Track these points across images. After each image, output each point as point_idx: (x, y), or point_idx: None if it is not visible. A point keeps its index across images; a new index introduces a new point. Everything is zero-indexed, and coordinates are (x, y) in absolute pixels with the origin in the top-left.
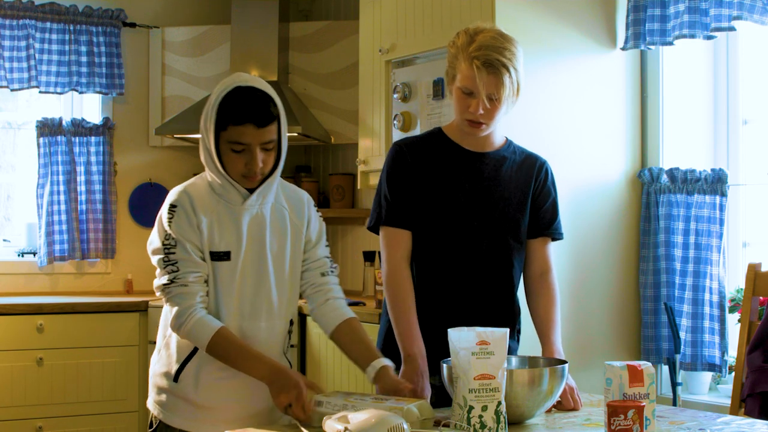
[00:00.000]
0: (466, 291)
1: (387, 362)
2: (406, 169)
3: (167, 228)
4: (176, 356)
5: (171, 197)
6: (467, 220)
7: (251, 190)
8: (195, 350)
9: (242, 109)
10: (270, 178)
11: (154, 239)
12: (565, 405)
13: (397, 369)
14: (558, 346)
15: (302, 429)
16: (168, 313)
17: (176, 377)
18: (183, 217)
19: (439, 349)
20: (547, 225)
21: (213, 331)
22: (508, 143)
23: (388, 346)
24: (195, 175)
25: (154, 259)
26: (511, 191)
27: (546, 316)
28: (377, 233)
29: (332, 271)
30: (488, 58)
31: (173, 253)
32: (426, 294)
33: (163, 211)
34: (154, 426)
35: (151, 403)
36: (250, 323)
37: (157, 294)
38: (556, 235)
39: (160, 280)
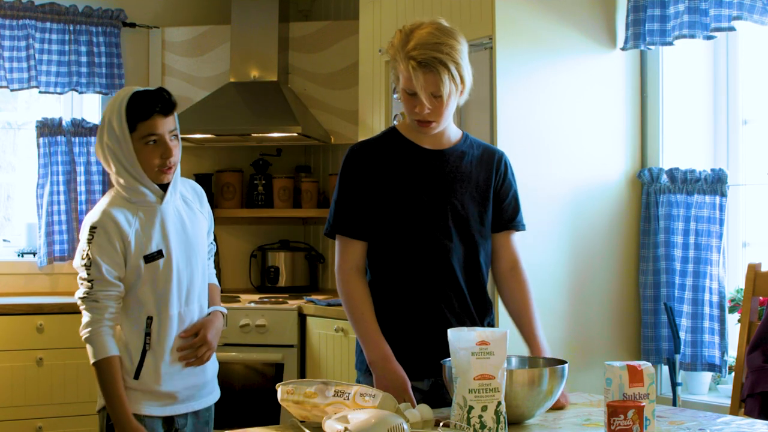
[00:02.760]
0: (436, 290)
1: (219, 309)
2: (361, 172)
3: (86, 248)
4: (132, 356)
5: (91, 219)
6: (432, 219)
7: (164, 189)
8: (147, 345)
9: (147, 104)
10: (176, 172)
11: (76, 256)
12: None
13: None
14: (544, 342)
15: (303, 429)
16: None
17: (137, 374)
18: (102, 237)
19: (415, 352)
20: (510, 218)
21: (104, 354)
22: (465, 137)
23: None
24: (195, 175)
25: (78, 274)
26: (473, 186)
27: (525, 311)
28: (334, 239)
29: (211, 256)
30: (424, 58)
31: (89, 272)
32: (396, 298)
33: (83, 232)
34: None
35: None
36: (187, 308)
37: (77, 303)
38: (519, 227)
39: (78, 292)
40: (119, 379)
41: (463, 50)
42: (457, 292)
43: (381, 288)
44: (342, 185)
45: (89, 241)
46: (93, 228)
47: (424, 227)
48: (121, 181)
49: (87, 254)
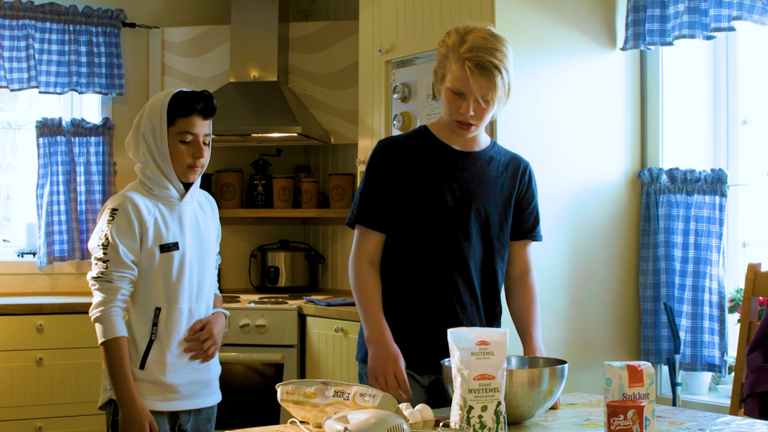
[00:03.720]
0: (450, 289)
1: (222, 311)
2: (390, 168)
3: (105, 229)
4: (137, 345)
5: (113, 202)
6: (455, 220)
7: (185, 188)
8: (154, 335)
9: (190, 103)
10: (200, 175)
11: (93, 237)
12: None
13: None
14: (540, 345)
15: (303, 429)
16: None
17: (142, 364)
18: (123, 220)
19: (420, 346)
20: (530, 228)
21: (113, 335)
22: (493, 144)
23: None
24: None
25: (93, 255)
26: (497, 192)
27: (527, 316)
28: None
29: (217, 266)
30: (480, 60)
31: (106, 252)
32: (408, 292)
33: (104, 214)
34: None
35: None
36: (197, 304)
37: (89, 284)
38: (537, 238)
39: (92, 272)
40: (126, 359)
41: (511, 58)
42: (471, 293)
43: (393, 281)
44: (369, 177)
45: (109, 222)
46: (114, 210)
47: (445, 225)
48: (147, 172)
49: (105, 235)
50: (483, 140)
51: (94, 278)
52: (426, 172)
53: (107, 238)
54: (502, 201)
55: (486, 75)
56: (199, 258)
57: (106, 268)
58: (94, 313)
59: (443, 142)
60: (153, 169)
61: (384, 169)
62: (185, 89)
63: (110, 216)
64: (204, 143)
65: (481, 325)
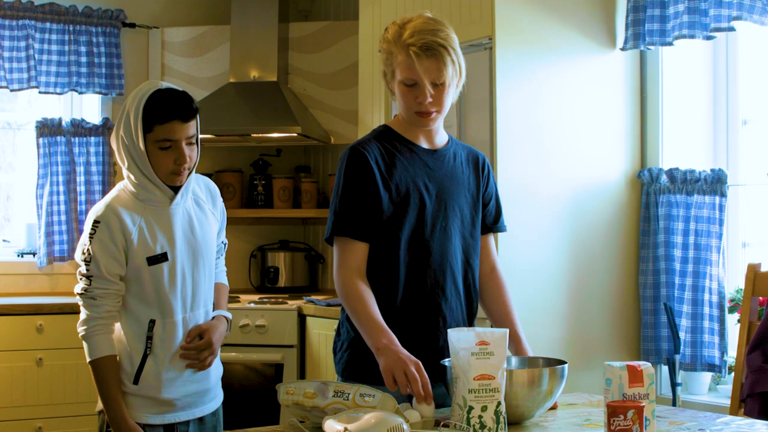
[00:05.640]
0: (438, 294)
1: (224, 314)
2: (368, 173)
3: (87, 243)
4: (132, 359)
5: (95, 213)
6: (436, 222)
7: (175, 190)
8: (149, 349)
9: (167, 108)
10: (190, 175)
11: (78, 248)
12: None
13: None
14: (527, 344)
15: (303, 429)
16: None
17: (136, 379)
18: (105, 233)
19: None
20: (495, 220)
21: (98, 354)
22: (451, 138)
23: (355, 361)
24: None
25: (78, 268)
26: (466, 188)
27: (507, 314)
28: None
29: (222, 254)
30: (425, 42)
31: (88, 269)
32: (395, 300)
33: (87, 225)
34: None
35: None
36: (192, 314)
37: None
38: (502, 229)
39: (77, 287)
40: (113, 379)
41: (456, 39)
42: (456, 296)
43: (379, 290)
44: (348, 185)
45: (91, 236)
46: (96, 222)
47: (427, 228)
48: (132, 177)
49: (87, 249)
50: (443, 136)
51: (79, 294)
52: (401, 174)
53: (89, 254)
54: (471, 197)
55: (434, 56)
56: (193, 265)
57: (89, 284)
58: (80, 330)
59: (410, 141)
60: (136, 173)
61: (362, 176)
62: (163, 86)
63: (92, 229)
64: (189, 144)
65: (465, 326)
